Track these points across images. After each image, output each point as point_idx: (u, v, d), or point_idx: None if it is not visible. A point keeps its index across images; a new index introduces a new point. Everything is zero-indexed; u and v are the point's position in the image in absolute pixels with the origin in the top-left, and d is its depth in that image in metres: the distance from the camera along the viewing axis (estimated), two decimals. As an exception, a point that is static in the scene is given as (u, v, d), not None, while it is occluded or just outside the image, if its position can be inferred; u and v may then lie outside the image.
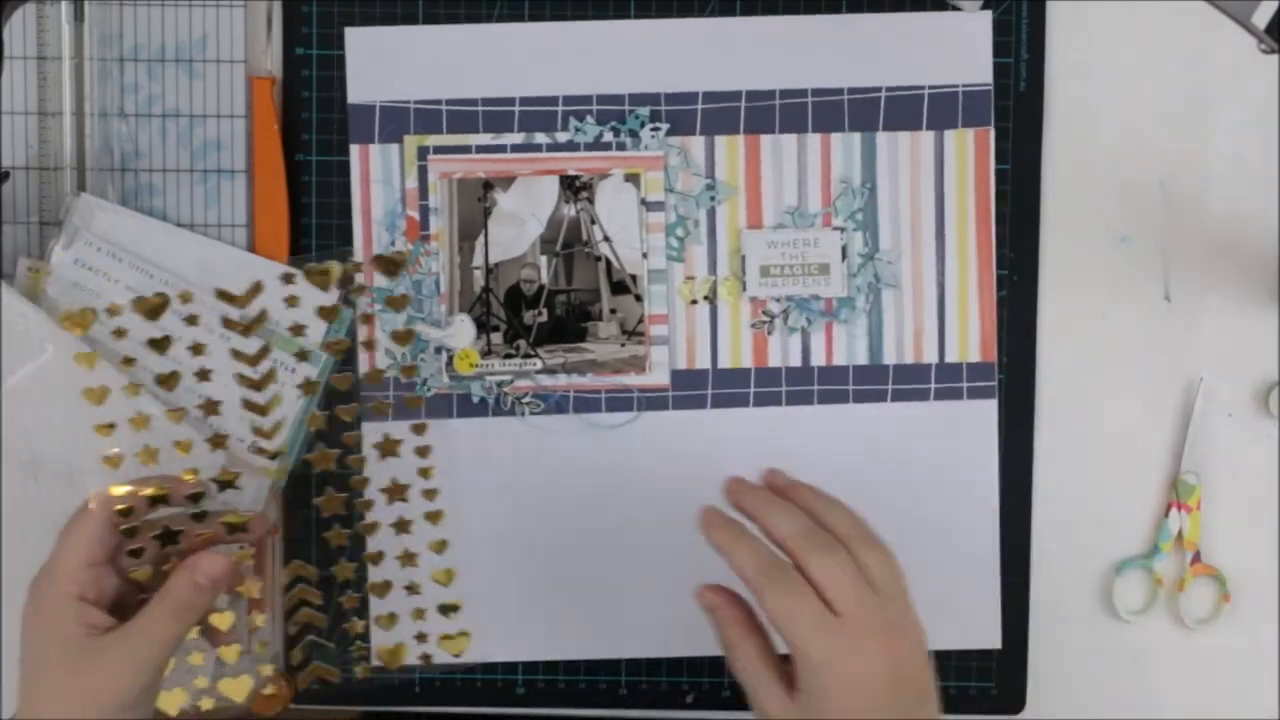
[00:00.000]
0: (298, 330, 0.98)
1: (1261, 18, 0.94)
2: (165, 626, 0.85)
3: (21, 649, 0.86)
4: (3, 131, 1.00)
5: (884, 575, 0.84)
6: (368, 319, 1.00)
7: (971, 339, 1.02)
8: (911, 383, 1.02)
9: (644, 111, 1.00)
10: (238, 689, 0.97)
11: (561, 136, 1.00)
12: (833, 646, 0.81)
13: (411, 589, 1.01)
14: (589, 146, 1.00)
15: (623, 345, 1.01)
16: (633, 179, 1.00)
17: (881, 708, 0.81)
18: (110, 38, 1.00)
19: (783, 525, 0.84)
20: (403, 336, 0.99)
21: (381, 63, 1.00)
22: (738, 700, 1.02)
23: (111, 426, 0.94)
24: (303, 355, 0.98)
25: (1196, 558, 1.03)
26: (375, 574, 1.01)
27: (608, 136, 1.00)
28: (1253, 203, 1.02)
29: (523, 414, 1.01)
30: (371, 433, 1.00)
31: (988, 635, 1.03)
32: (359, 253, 1.01)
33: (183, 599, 0.85)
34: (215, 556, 0.87)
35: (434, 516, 0.99)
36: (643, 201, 1.00)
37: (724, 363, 1.02)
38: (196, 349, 0.97)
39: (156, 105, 1.00)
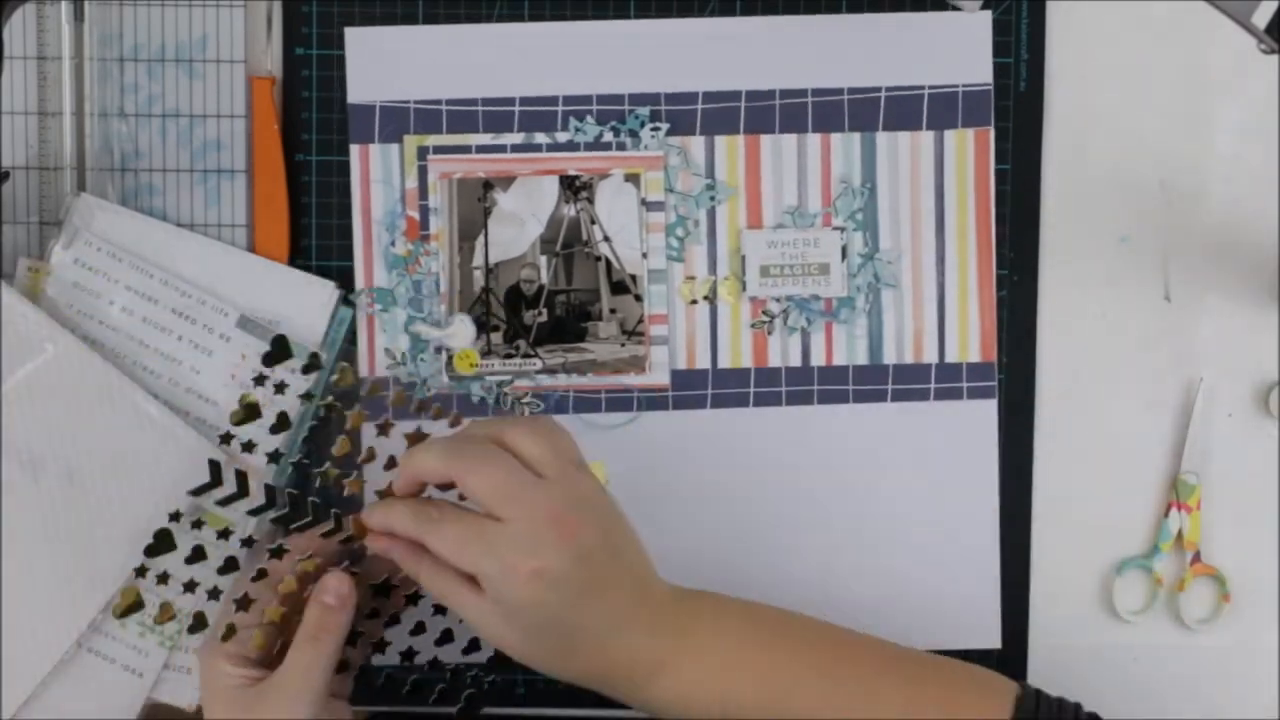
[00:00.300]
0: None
1: (1261, 18, 0.94)
2: (308, 656, 0.88)
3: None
4: (3, 131, 1.00)
5: (540, 453, 0.84)
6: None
7: (971, 339, 1.02)
8: (911, 383, 1.02)
9: (644, 111, 1.00)
10: None
11: (561, 136, 1.00)
12: (505, 556, 0.82)
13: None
14: (589, 146, 1.00)
15: (622, 345, 1.01)
16: (633, 179, 1.00)
17: (575, 586, 0.82)
18: (110, 38, 1.00)
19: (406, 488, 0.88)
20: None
21: (381, 63, 1.00)
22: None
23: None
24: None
25: (1196, 558, 1.03)
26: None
27: (608, 136, 1.00)
28: (1253, 203, 1.02)
29: (523, 414, 1.01)
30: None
31: (988, 635, 1.03)
32: (359, 252, 1.01)
33: (317, 624, 0.88)
34: (338, 576, 0.90)
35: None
36: (643, 201, 1.00)
37: (724, 363, 1.02)
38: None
39: (156, 105, 1.00)
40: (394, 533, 0.87)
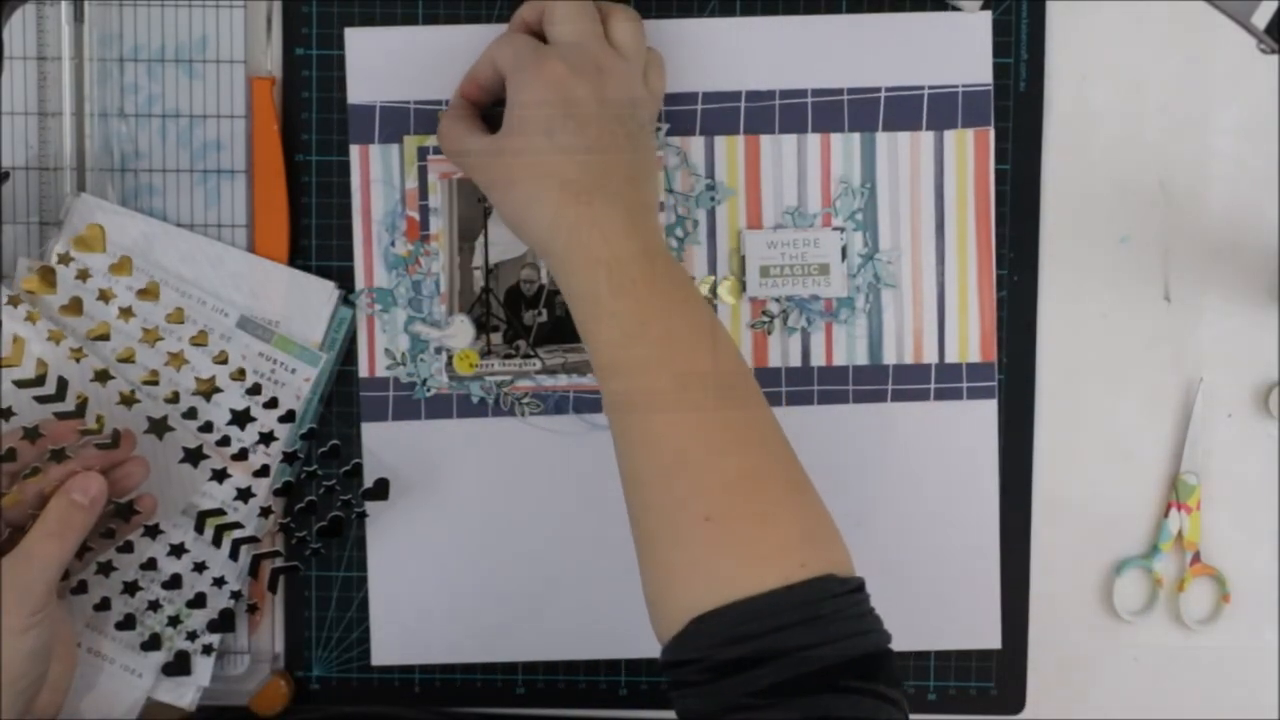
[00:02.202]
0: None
1: (1261, 18, 0.94)
2: (45, 547, 0.87)
3: None
4: (3, 131, 1.00)
5: (627, 38, 0.92)
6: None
7: (971, 339, 1.02)
8: (911, 383, 1.02)
9: (644, 112, 1.00)
10: None
11: (561, 137, 1.00)
12: (536, 58, 0.90)
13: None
14: (589, 147, 1.00)
15: (623, 346, 1.01)
16: (632, 179, 1.00)
17: (554, 119, 0.88)
18: (110, 38, 1.00)
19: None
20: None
21: (381, 63, 1.00)
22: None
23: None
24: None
25: (1196, 558, 1.03)
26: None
27: (607, 137, 1.00)
28: (1253, 203, 1.02)
29: (523, 414, 1.01)
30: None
31: (988, 635, 1.03)
32: (359, 253, 1.01)
33: (61, 518, 0.88)
34: (91, 476, 0.90)
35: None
36: (643, 202, 1.00)
37: (724, 363, 1.01)
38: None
39: (156, 105, 1.00)
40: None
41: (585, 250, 0.86)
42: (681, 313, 0.86)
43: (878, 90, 1.01)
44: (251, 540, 0.99)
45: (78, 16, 0.99)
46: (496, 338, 1.01)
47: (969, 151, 1.01)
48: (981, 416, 1.02)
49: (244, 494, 0.98)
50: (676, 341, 0.85)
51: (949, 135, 1.01)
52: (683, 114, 1.00)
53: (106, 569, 0.96)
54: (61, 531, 0.88)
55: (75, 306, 0.97)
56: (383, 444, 1.01)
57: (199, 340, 0.98)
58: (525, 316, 1.01)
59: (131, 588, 0.98)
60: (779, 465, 0.84)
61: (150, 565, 0.98)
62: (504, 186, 0.90)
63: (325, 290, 1.00)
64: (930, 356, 1.02)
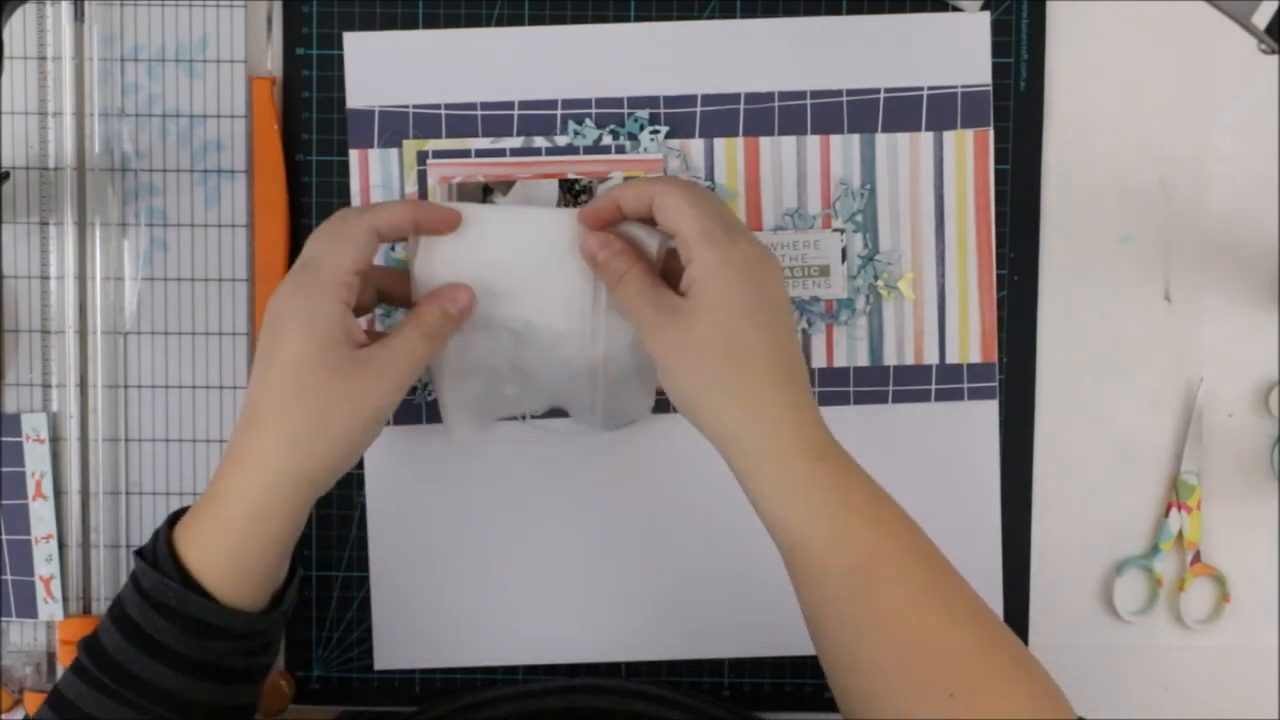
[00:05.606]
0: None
1: (1261, 18, 0.94)
2: (418, 346, 0.86)
3: (273, 339, 0.84)
4: (3, 131, 1.00)
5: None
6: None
7: (972, 340, 1.02)
8: (912, 384, 1.02)
9: (643, 114, 1.00)
10: None
11: (561, 140, 1.00)
12: (729, 231, 0.84)
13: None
14: (588, 150, 1.00)
15: (622, 348, 1.01)
16: (632, 182, 1.00)
17: (758, 298, 0.83)
18: (111, 38, 1.00)
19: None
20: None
21: (380, 67, 1.00)
22: (738, 700, 1.02)
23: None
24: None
25: (1196, 558, 1.03)
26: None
27: (607, 140, 1.00)
28: (1253, 203, 1.02)
29: (524, 417, 1.01)
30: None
31: (988, 635, 1.03)
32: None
33: (434, 324, 0.87)
34: (461, 288, 0.89)
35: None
36: (642, 204, 1.00)
37: (724, 365, 1.01)
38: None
39: (156, 105, 1.00)
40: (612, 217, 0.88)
41: (794, 440, 0.83)
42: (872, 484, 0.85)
43: (877, 91, 1.00)
44: None
45: (78, 16, 0.99)
46: (497, 340, 1.01)
47: (969, 152, 1.01)
48: (982, 417, 1.02)
49: None
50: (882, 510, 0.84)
51: (948, 136, 1.01)
52: (682, 116, 1.00)
53: None
54: (431, 336, 0.87)
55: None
56: (384, 448, 1.01)
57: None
58: (525, 319, 1.01)
59: None
60: (999, 627, 0.83)
61: None
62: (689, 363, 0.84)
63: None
64: (931, 357, 1.02)
